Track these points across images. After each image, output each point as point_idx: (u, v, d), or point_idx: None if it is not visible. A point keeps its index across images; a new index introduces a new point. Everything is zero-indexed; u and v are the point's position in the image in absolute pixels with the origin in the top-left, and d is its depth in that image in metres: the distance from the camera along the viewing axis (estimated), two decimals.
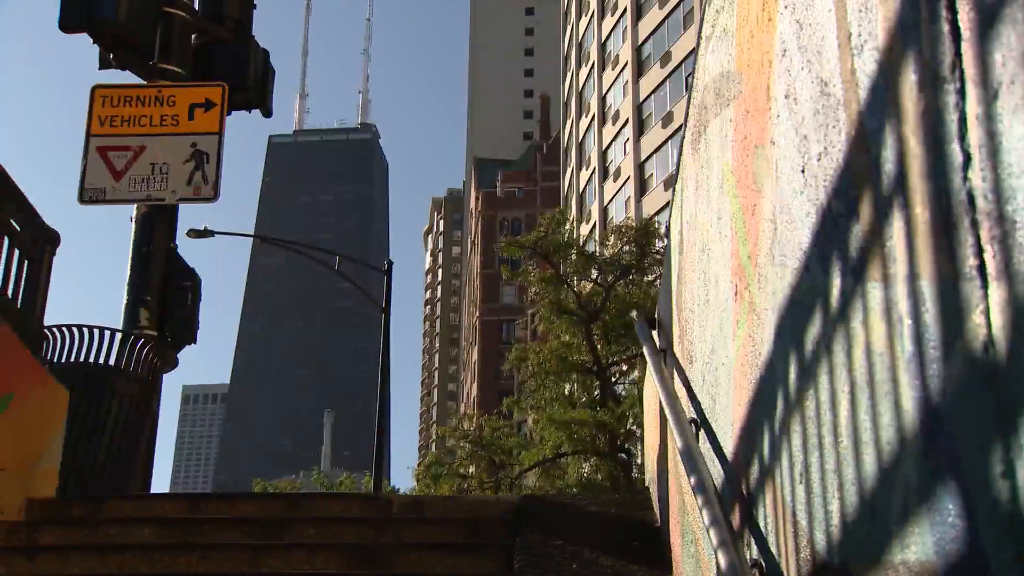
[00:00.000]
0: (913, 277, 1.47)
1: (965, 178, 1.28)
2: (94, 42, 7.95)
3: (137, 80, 8.25)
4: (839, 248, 1.85)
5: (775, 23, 2.36)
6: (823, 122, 1.94)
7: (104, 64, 8.12)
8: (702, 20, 3.56)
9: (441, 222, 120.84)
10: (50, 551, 4.74)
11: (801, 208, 2.12)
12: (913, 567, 1.47)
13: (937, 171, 1.37)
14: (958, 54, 1.30)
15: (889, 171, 1.58)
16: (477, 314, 79.95)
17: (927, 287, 1.42)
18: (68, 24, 7.83)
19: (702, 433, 3.55)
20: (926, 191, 1.42)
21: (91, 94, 8.13)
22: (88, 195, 7.96)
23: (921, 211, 1.44)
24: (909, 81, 1.47)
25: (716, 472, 3.21)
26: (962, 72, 1.29)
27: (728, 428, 3.08)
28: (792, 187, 2.20)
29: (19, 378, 5.19)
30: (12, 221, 5.53)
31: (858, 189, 1.74)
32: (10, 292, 5.54)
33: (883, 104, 1.60)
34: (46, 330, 6.37)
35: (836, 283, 1.88)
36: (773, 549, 2.43)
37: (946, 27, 1.33)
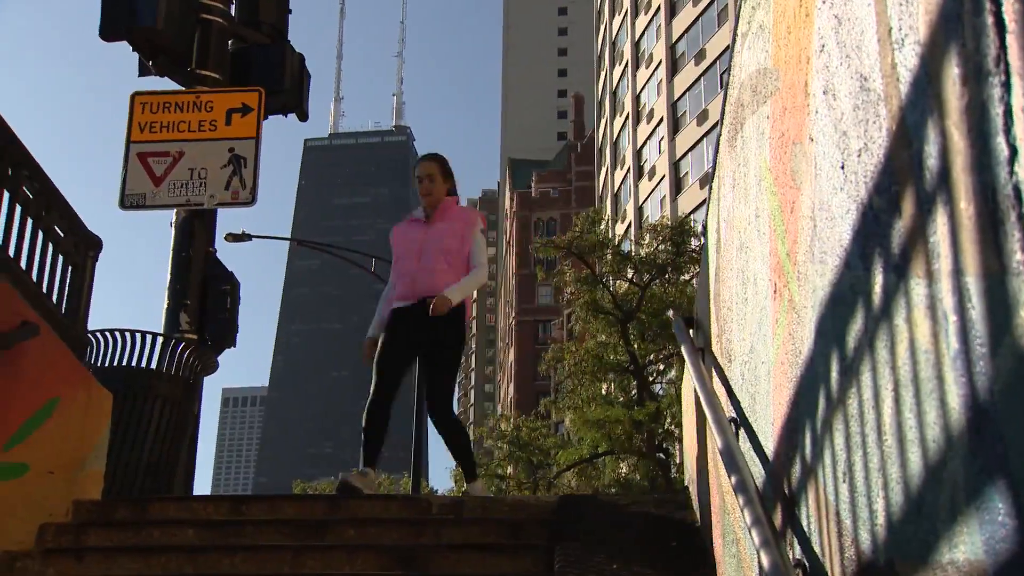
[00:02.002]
0: (958, 273, 1.46)
1: (1011, 172, 1.26)
2: (134, 50, 8.05)
3: (175, 86, 8.34)
4: (881, 245, 1.84)
5: (813, 19, 2.34)
6: (863, 118, 1.92)
7: (143, 71, 8.22)
8: (737, 17, 3.55)
9: None
10: (97, 552, 4.81)
11: (841, 205, 2.10)
12: (962, 567, 1.45)
13: (982, 165, 1.36)
14: (1003, 46, 1.28)
15: (932, 166, 1.56)
16: (513, 315, 79.99)
17: (973, 283, 1.40)
18: (108, 33, 7.94)
19: (742, 432, 3.53)
20: (971, 186, 1.40)
21: (131, 101, 8.23)
22: (129, 201, 8.06)
23: (966, 206, 1.42)
24: (952, 75, 1.46)
25: (757, 471, 3.19)
26: (1007, 65, 1.27)
27: (768, 427, 3.06)
28: (831, 184, 2.18)
29: (64, 382, 5.27)
30: (56, 228, 5.62)
31: (900, 185, 1.72)
32: (55, 298, 5.63)
33: (925, 98, 1.58)
34: (89, 335, 6.46)
35: (878, 280, 1.86)
36: (816, 549, 2.41)
37: (990, 19, 1.31)
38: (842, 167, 2.09)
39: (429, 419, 5.83)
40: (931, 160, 1.56)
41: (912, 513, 1.68)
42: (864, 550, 1.97)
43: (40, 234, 5.44)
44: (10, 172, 5.09)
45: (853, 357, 2.04)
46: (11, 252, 5.11)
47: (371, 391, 5.76)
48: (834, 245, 2.16)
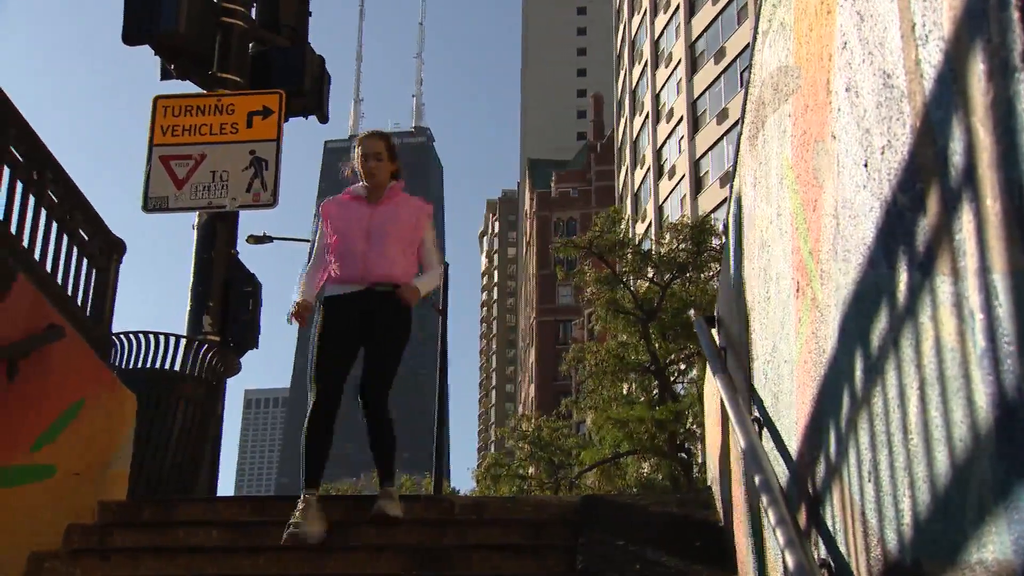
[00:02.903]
0: (984, 271, 1.44)
1: None
2: (156, 53, 8.10)
3: (197, 90, 8.39)
4: (905, 242, 1.82)
5: (835, 16, 2.33)
6: (886, 115, 1.91)
7: (165, 75, 8.27)
8: (758, 15, 3.53)
9: (496, 224, 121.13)
10: (122, 553, 4.85)
11: (864, 203, 2.09)
12: (991, 566, 1.44)
13: (1008, 162, 1.35)
14: None
15: (957, 163, 1.55)
16: (533, 315, 79.98)
17: (1000, 281, 1.39)
18: (131, 37, 8.00)
19: (765, 431, 3.51)
20: (997, 182, 1.39)
21: (153, 105, 8.29)
22: (152, 204, 8.12)
23: (992, 203, 1.41)
24: (977, 71, 1.44)
25: (780, 471, 3.18)
26: None
27: (792, 426, 3.05)
28: (854, 181, 2.17)
29: (89, 384, 5.31)
30: (80, 231, 5.67)
31: (924, 182, 1.71)
32: (79, 300, 5.68)
33: (950, 95, 1.57)
34: (114, 337, 6.51)
35: (903, 278, 1.85)
36: (842, 548, 2.40)
37: (1016, 14, 1.30)
38: (865, 165, 2.07)
39: (362, 410, 5.17)
40: (956, 157, 1.55)
41: (939, 512, 1.66)
42: (891, 549, 1.96)
43: (65, 237, 5.48)
44: (35, 176, 5.14)
45: (878, 355, 2.03)
46: (36, 255, 5.15)
47: (312, 399, 5.13)
48: (858, 243, 2.15)
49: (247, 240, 22.77)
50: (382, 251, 5.15)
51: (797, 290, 2.90)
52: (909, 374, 1.81)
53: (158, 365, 6.77)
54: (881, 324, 2.00)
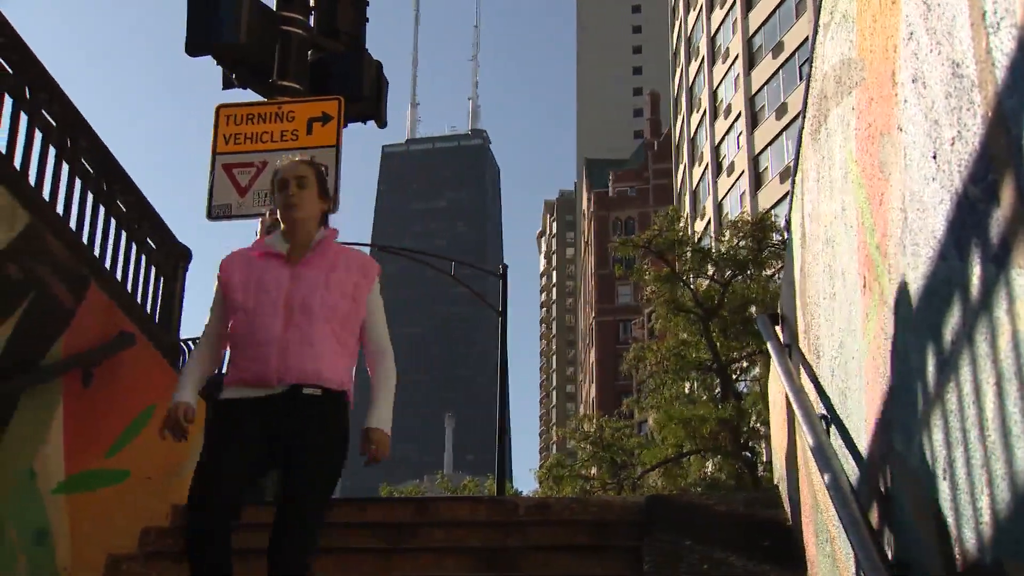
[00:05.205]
0: None
1: None
2: (218, 63, 8.25)
3: (258, 98, 8.52)
4: (977, 235, 1.79)
5: (899, 6, 2.29)
6: (955, 105, 1.88)
7: (227, 84, 8.41)
8: (819, 8, 3.49)
9: (554, 224, 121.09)
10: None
11: (934, 195, 2.05)
12: None
13: None
14: None
15: None
16: (593, 315, 79.79)
17: None
18: (194, 48, 8.14)
19: (832, 429, 3.46)
20: None
21: (216, 114, 8.42)
22: (216, 212, 8.25)
23: None
24: None
25: (849, 469, 3.13)
26: None
27: (860, 423, 3.00)
28: (923, 174, 2.14)
29: (160, 390, 5.42)
30: (148, 240, 5.79)
31: (997, 173, 1.68)
32: (148, 308, 5.80)
33: (1023, 83, 1.53)
34: (181, 343, 6.63)
35: (976, 271, 1.81)
36: (916, 548, 2.35)
37: None
38: (934, 156, 2.04)
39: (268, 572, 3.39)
40: None
41: (1020, 510, 1.63)
42: (968, 548, 1.92)
43: (134, 246, 5.61)
44: (105, 187, 5.26)
45: (951, 350, 1.99)
46: (107, 264, 5.28)
47: (190, 519, 3.39)
48: (927, 236, 2.11)
49: None
50: (308, 335, 3.47)
51: (864, 285, 2.86)
52: (985, 369, 1.77)
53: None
54: (954, 318, 1.96)
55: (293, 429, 3.42)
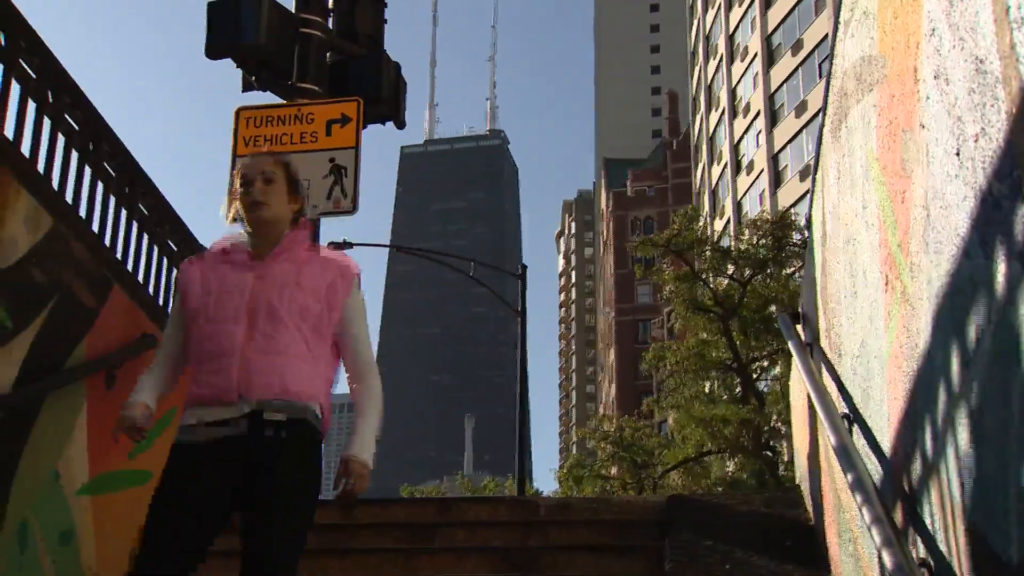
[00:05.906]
0: None
1: None
2: (237, 66, 8.29)
3: (278, 100, 8.55)
4: (1002, 232, 1.77)
5: (921, 2, 2.27)
6: (979, 101, 1.86)
7: (247, 87, 8.45)
8: (839, 5, 3.47)
9: (572, 224, 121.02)
10: (217, 556, 4.95)
11: (957, 192, 2.04)
12: None
13: None
14: None
15: None
16: (612, 315, 79.66)
17: None
18: (214, 51, 8.19)
19: (855, 428, 3.44)
20: None
21: (235, 116, 8.47)
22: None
23: None
24: None
25: (873, 468, 3.11)
26: None
27: (884, 422, 2.99)
28: (945, 171, 2.12)
29: (181, 392, 5.45)
30: (169, 242, 5.82)
31: (1022, 169, 1.66)
32: (169, 310, 5.83)
33: None
34: None
35: (1000, 269, 1.80)
36: (942, 548, 2.34)
37: None
38: (957, 153, 2.02)
39: None
40: None
41: None
42: (996, 549, 1.91)
43: (155, 248, 5.64)
44: (127, 190, 5.30)
45: (975, 349, 1.98)
46: (129, 266, 5.31)
47: (140, 566, 2.91)
48: (950, 234, 2.10)
49: (328, 246, 23.13)
50: (274, 343, 3.05)
51: (886, 284, 2.84)
52: (1011, 367, 1.76)
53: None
54: (979, 316, 1.94)
55: (257, 469, 2.94)
